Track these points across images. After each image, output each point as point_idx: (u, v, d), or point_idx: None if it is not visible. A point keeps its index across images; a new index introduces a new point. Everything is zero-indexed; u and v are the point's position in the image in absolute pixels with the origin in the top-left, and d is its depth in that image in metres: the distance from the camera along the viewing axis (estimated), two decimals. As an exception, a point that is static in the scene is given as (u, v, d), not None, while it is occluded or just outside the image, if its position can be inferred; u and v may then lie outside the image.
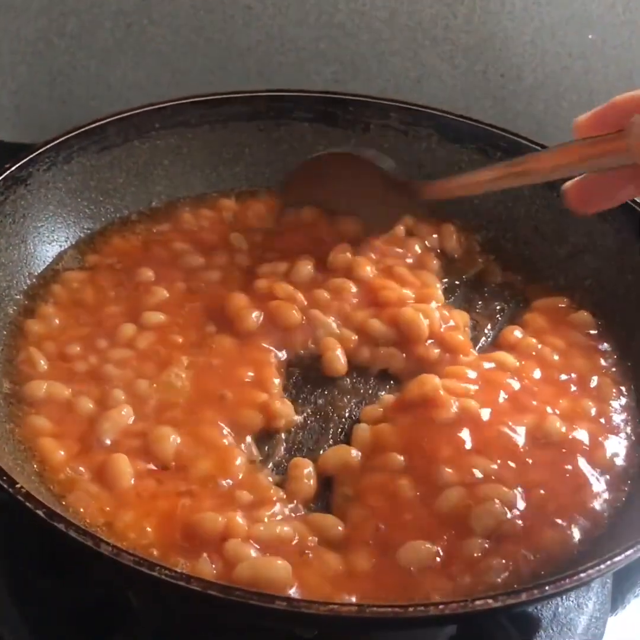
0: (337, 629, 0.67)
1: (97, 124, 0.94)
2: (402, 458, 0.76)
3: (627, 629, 0.83)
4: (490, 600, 0.62)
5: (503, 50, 1.18)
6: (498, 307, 0.94)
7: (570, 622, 0.80)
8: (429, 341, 0.87)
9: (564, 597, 0.81)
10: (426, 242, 0.98)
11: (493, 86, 1.20)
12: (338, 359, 0.86)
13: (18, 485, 0.65)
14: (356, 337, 0.87)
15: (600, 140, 0.72)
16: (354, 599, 0.68)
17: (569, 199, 0.77)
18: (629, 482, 0.79)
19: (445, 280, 0.96)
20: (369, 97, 1.02)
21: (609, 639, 0.81)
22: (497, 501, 0.74)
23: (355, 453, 0.78)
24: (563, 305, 0.93)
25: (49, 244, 0.91)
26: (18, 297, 0.86)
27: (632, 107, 0.70)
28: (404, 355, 0.87)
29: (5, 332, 0.84)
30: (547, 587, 0.63)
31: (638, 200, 0.92)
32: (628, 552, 0.65)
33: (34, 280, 0.88)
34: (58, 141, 0.91)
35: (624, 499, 0.78)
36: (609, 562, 0.65)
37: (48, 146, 0.90)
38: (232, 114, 1.01)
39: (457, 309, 0.92)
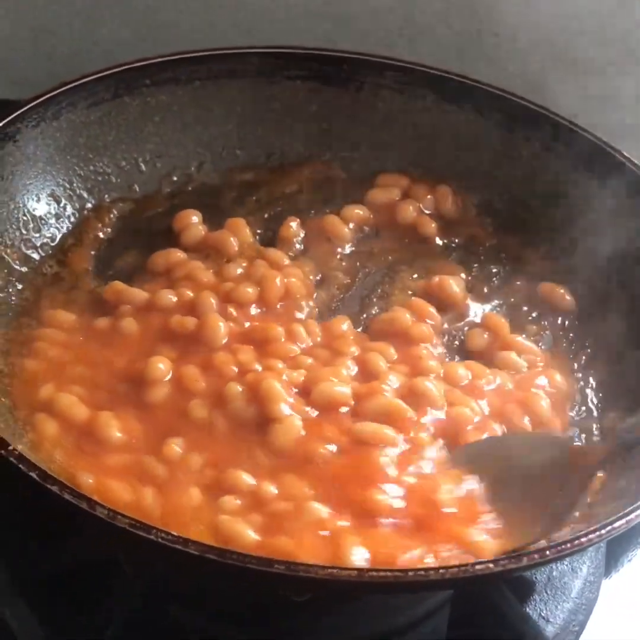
0: (335, 592, 0.66)
1: (86, 79, 0.91)
2: None
3: (621, 592, 0.83)
4: (491, 565, 0.61)
5: (498, 9, 1.16)
6: (494, 270, 0.93)
7: (565, 586, 0.81)
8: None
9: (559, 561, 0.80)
10: (421, 205, 0.96)
11: (487, 46, 1.18)
12: None
13: (10, 448, 0.63)
14: None
15: None
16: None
17: None
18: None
19: (441, 242, 0.95)
20: (364, 55, 0.99)
21: (603, 603, 0.81)
22: None
23: None
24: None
25: (38, 202, 0.89)
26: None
27: None
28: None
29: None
30: (548, 552, 0.62)
31: (636, 162, 0.91)
32: (629, 517, 0.65)
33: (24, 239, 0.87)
34: (47, 96, 0.88)
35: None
36: (609, 528, 0.65)
37: (37, 102, 0.88)
38: (222, 71, 0.98)
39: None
